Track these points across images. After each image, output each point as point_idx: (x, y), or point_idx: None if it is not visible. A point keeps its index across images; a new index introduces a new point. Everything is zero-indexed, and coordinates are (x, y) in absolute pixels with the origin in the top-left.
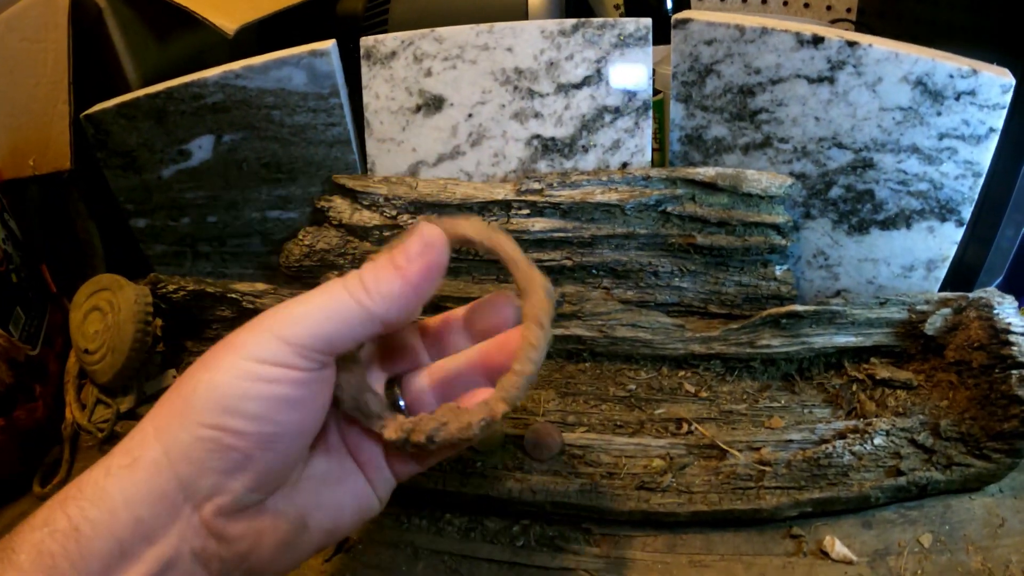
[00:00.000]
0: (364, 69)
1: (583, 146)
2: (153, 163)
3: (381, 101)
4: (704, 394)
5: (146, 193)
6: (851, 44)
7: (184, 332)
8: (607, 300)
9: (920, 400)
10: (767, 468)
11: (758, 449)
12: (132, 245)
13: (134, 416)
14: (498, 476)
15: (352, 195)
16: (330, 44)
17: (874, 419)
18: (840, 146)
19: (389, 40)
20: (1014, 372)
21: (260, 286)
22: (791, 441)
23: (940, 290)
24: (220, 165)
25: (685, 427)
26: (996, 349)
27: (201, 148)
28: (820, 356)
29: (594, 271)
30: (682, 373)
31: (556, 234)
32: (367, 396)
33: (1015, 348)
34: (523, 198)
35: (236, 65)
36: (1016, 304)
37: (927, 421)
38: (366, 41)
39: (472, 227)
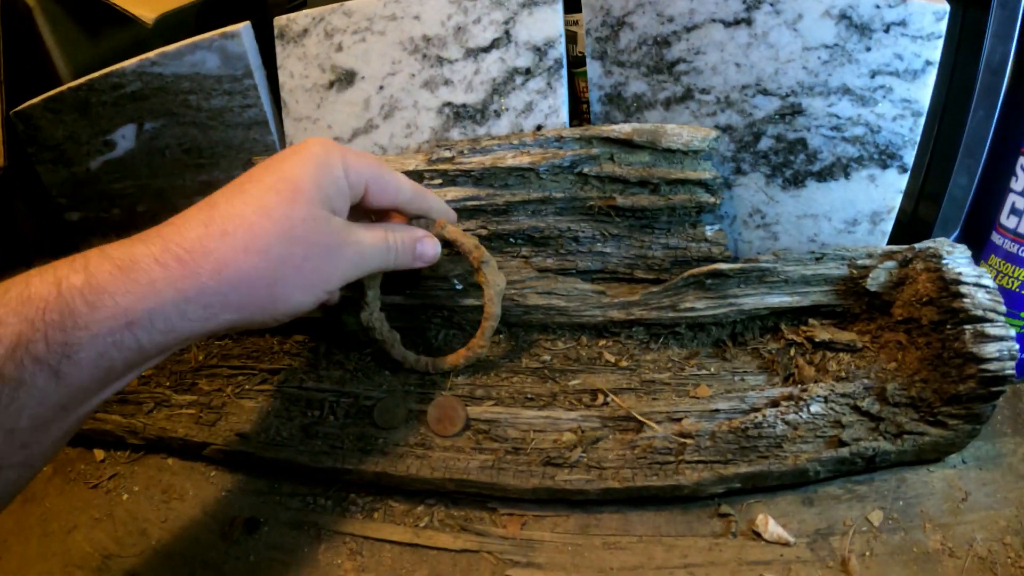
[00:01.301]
0: (278, 49)
1: (495, 111)
2: (81, 155)
3: (296, 80)
4: (625, 363)
5: (77, 186)
6: None
7: None
8: (521, 268)
9: (866, 363)
10: (688, 440)
11: (679, 420)
12: (72, 240)
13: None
14: (399, 453)
15: None
16: (241, 26)
17: (811, 385)
18: (765, 92)
19: (301, 18)
20: (967, 327)
21: None
22: (717, 411)
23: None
24: (144, 154)
25: (600, 398)
26: (947, 303)
27: (125, 138)
28: (754, 319)
29: (512, 239)
30: (603, 342)
31: (470, 202)
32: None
33: (967, 300)
34: (434, 167)
35: (152, 53)
36: (968, 253)
37: (872, 385)
38: (279, 20)
39: (459, 235)
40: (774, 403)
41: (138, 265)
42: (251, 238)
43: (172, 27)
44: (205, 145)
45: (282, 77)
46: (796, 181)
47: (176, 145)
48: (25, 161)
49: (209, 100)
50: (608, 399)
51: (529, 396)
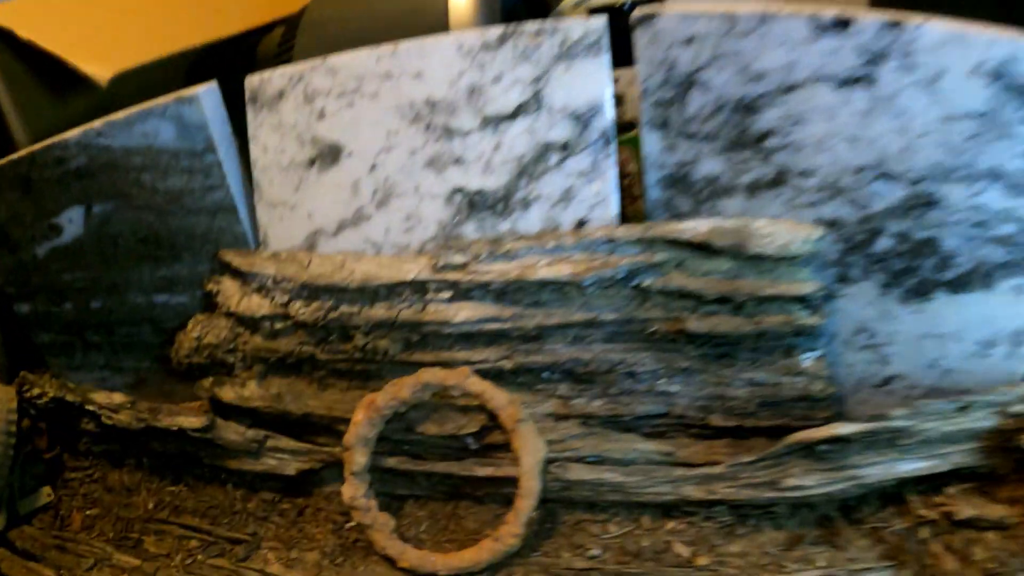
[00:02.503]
0: (250, 116)
1: (522, 200)
2: (26, 240)
3: (270, 155)
4: (704, 560)
5: (24, 274)
6: (893, 25)
7: (63, 443)
8: (557, 421)
9: (1019, 546)
10: None
11: None
12: (25, 336)
13: (5, 542)
14: None
15: (240, 276)
16: (202, 88)
17: None
18: (887, 177)
19: (276, 77)
20: None
21: (117, 398)
22: None
23: None
24: (94, 241)
25: None
26: None
27: (72, 222)
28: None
29: (545, 374)
30: (671, 525)
31: (488, 325)
32: None
33: None
34: (442, 276)
35: (98, 122)
36: None
37: None
38: (251, 81)
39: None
40: None
41: None
42: None
43: (149, 88)
44: (163, 233)
45: (254, 152)
46: (921, 292)
47: (130, 233)
48: None
49: (165, 180)
50: None
51: None
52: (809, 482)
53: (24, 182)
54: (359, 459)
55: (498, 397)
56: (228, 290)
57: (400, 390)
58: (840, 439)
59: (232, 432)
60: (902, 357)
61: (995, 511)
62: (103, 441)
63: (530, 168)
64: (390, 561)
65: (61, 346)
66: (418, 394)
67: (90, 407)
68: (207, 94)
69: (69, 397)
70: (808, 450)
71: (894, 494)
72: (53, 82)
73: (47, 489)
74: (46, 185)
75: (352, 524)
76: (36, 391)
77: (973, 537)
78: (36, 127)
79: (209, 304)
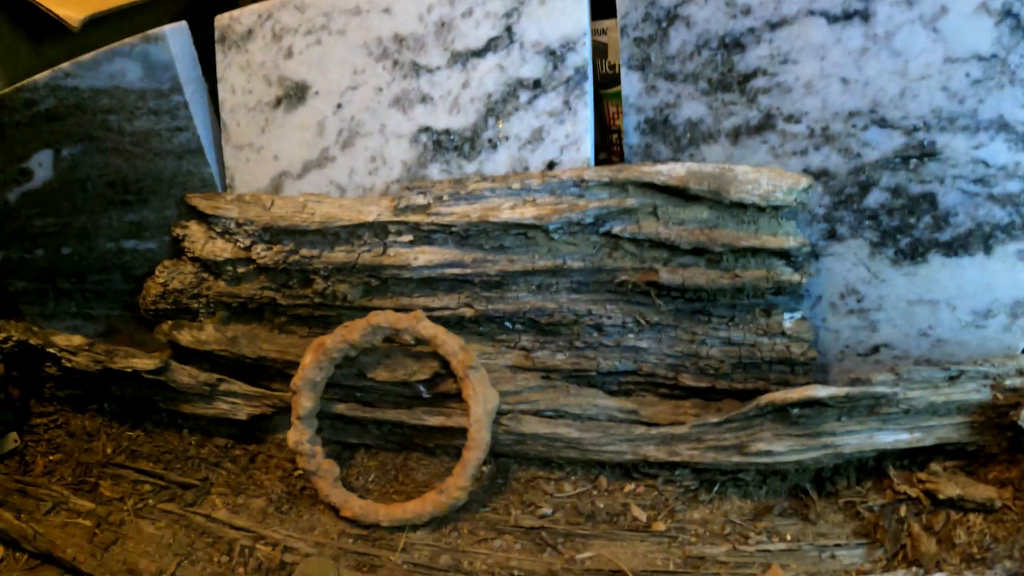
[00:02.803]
0: (219, 56)
1: (490, 140)
2: None
3: (237, 96)
4: (662, 526)
5: None
6: None
7: (29, 388)
8: (516, 372)
9: (1007, 532)
10: None
11: None
12: None
13: None
14: None
15: (205, 219)
16: (169, 27)
17: (931, 567)
18: (882, 123)
19: (245, 15)
20: None
21: (76, 340)
22: None
23: None
24: (63, 185)
25: None
26: None
27: (41, 166)
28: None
29: (508, 324)
30: (629, 487)
31: (449, 270)
32: None
33: None
34: (403, 218)
35: (66, 63)
36: None
37: (1019, 573)
38: (220, 20)
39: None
40: None
41: None
42: None
43: (130, 35)
44: (131, 177)
45: (222, 93)
46: (914, 253)
47: (98, 177)
48: None
49: (132, 121)
50: None
51: (516, 574)
52: (779, 448)
53: None
54: (305, 403)
55: (450, 342)
56: (194, 235)
57: (350, 332)
58: (816, 402)
59: (185, 375)
60: (891, 324)
61: (982, 492)
62: (66, 386)
63: (498, 107)
64: (333, 509)
65: (34, 294)
66: (368, 337)
67: (51, 350)
68: (174, 32)
69: (33, 340)
70: (781, 413)
71: (873, 468)
72: (31, 31)
73: (14, 435)
74: (16, 129)
75: (300, 472)
76: (2, 335)
77: (956, 518)
78: (12, 73)
79: (177, 251)
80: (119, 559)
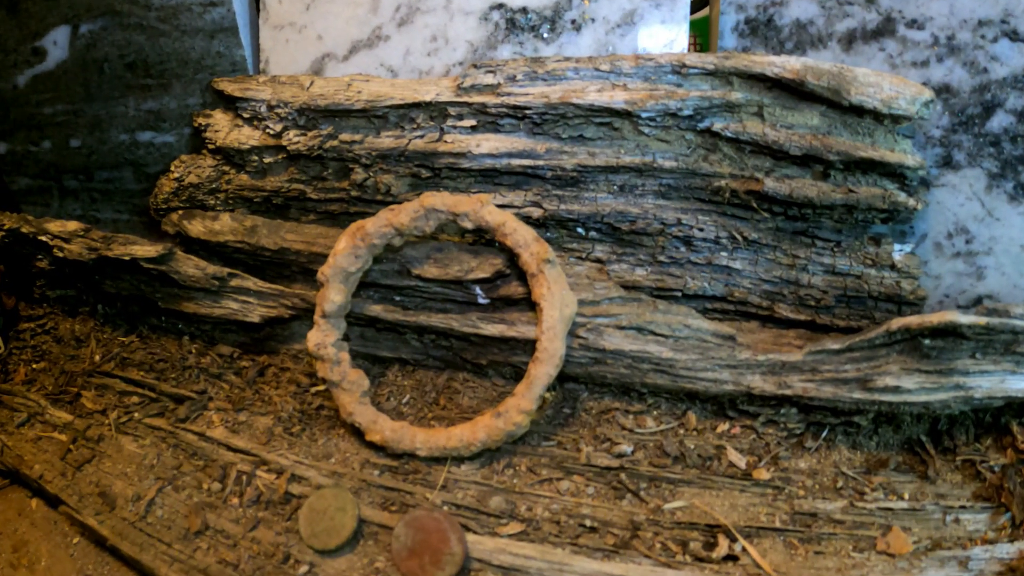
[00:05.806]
0: None
1: (573, 20)
2: (7, 67)
3: None
4: (765, 474)
5: (3, 108)
6: None
7: (19, 292)
8: (595, 280)
9: None
10: None
11: None
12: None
13: None
14: None
15: (233, 104)
16: None
17: None
18: (1014, 36)
19: None
20: None
21: (71, 225)
22: None
23: None
24: (78, 67)
25: (723, 546)
26: None
27: (56, 44)
28: (971, 411)
29: (580, 229)
30: (723, 427)
31: (517, 160)
32: None
33: None
34: (466, 99)
35: None
36: None
37: None
38: None
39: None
40: (1012, 570)
41: None
42: None
43: None
44: (153, 58)
45: None
46: None
47: (117, 57)
48: None
49: None
50: (736, 548)
51: (588, 526)
52: (909, 384)
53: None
54: (334, 297)
55: (521, 231)
56: (218, 123)
57: (398, 215)
58: (954, 331)
59: (191, 266)
60: (1000, 271)
61: None
62: (58, 284)
63: None
64: (357, 432)
65: (38, 192)
66: (419, 222)
67: (43, 237)
68: None
69: (25, 229)
70: (911, 344)
71: (990, 423)
72: None
73: None
74: (32, 1)
75: (318, 388)
76: None
77: None
78: None
79: (196, 146)
80: (91, 480)
